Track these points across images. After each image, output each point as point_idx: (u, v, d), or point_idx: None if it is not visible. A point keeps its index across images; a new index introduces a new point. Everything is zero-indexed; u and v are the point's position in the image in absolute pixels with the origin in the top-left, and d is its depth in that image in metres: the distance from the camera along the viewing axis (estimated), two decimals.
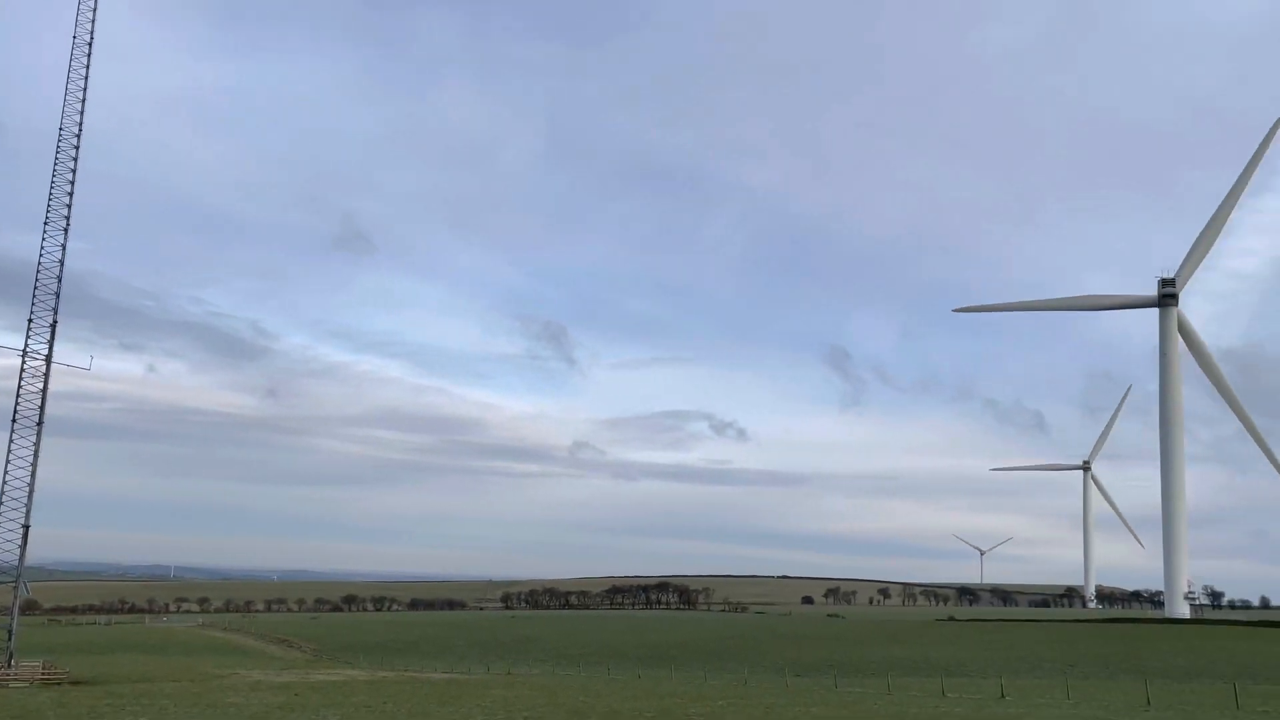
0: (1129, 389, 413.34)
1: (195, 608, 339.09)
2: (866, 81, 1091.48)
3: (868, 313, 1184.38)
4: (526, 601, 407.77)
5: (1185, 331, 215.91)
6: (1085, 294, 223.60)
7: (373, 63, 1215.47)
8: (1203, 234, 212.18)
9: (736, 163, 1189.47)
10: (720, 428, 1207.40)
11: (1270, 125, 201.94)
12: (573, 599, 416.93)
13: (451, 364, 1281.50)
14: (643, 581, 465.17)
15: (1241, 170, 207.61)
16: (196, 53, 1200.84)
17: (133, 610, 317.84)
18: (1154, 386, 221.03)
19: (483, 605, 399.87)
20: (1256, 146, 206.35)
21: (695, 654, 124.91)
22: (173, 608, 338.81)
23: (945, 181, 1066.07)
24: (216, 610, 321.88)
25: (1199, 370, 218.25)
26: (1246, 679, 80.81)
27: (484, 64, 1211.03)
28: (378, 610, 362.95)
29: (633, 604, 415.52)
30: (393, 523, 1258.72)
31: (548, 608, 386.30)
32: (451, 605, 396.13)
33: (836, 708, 52.45)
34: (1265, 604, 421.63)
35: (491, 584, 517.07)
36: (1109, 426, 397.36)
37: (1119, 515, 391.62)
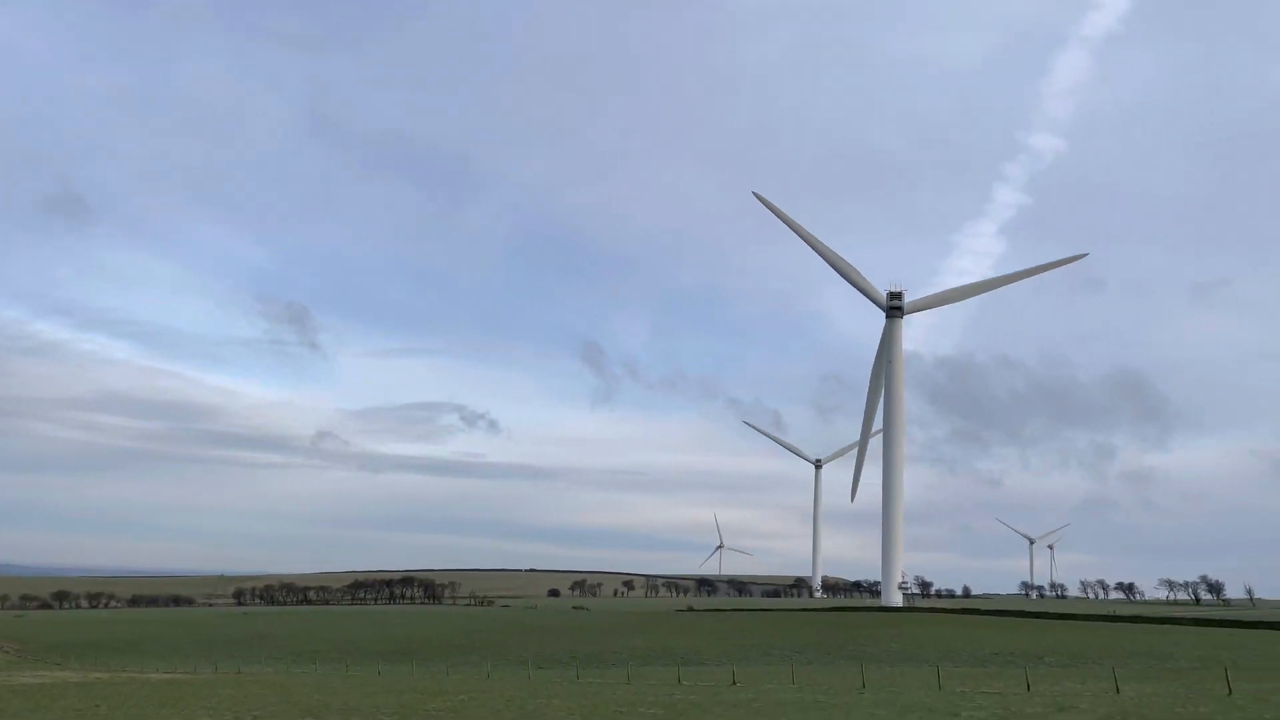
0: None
1: None
2: (630, 86, 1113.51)
3: (623, 311, 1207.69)
4: (261, 598, 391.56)
5: (917, 304, 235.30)
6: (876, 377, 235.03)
7: (109, 18, 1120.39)
8: (836, 260, 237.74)
9: (502, 155, 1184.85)
10: (472, 420, 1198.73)
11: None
12: (312, 594, 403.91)
13: (187, 346, 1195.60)
14: (387, 576, 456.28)
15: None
16: None
17: None
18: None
19: (213, 601, 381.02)
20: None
21: (438, 649, 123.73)
22: None
23: (702, 189, 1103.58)
24: None
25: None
26: (949, 662, 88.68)
27: (236, 31, 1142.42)
28: (94, 607, 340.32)
29: (375, 599, 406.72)
30: (115, 514, 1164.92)
31: (285, 604, 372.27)
32: (178, 601, 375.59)
33: (577, 698, 53.37)
34: (967, 593, 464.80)
35: (224, 579, 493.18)
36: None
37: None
